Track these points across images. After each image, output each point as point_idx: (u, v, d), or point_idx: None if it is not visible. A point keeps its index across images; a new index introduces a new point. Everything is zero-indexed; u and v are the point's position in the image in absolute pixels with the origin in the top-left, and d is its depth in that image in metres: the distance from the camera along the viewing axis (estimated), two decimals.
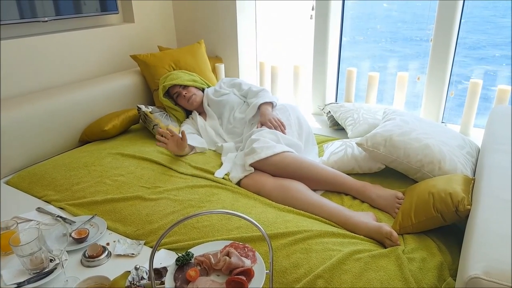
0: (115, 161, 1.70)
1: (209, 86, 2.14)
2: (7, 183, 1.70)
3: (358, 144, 1.52)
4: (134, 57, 2.29)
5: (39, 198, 1.57)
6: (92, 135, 1.98)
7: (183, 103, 2.03)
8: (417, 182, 1.47)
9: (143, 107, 1.97)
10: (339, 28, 2.36)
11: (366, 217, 1.29)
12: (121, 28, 2.41)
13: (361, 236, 1.23)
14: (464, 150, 1.52)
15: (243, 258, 0.81)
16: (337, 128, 2.19)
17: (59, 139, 1.92)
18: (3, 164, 1.71)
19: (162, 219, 1.35)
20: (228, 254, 0.81)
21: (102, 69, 2.36)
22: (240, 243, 0.88)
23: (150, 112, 1.97)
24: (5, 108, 1.73)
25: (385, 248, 1.16)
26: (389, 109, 1.80)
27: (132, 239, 1.32)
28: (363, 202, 1.44)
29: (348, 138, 1.91)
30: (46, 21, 2.02)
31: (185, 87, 2.03)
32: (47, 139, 1.86)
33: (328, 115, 2.23)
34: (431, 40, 2.06)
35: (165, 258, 1.19)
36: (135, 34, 2.51)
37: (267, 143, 1.55)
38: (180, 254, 0.87)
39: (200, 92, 2.06)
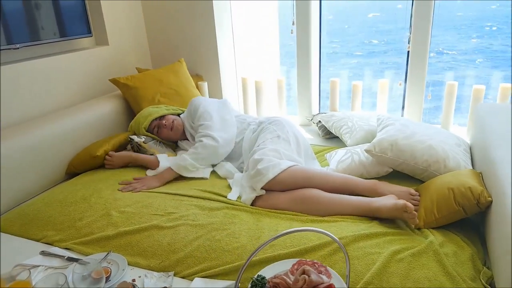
0: (115, 192, 1.60)
1: (182, 111, 2.06)
2: None
3: (367, 151, 1.56)
4: (114, 81, 2.19)
5: (37, 241, 1.42)
6: (80, 165, 1.85)
7: (166, 135, 1.93)
8: (424, 181, 1.53)
9: (135, 138, 1.88)
10: (318, 40, 2.43)
11: (386, 199, 1.35)
12: (95, 51, 2.31)
13: (388, 227, 1.27)
14: (461, 147, 1.61)
15: (320, 275, 0.78)
16: (329, 137, 2.23)
17: (44, 174, 1.77)
18: None
19: (186, 246, 1.28)
20: (304, 273, 0.78)
21: (81, 95, 2.23)
22: (307, 260, 0.85)
23: (143, 142, 1.88)
24: None
25: (406, 225, 1.26)
26: (381, 115, 1.87)
27: (157, 271, 1.23)
28: None
29: (347, 146, 1.95)
30: (18, 48, 1.87)
31: (161, 117, 1.95)
32: (30, 176, 1.70)
33: (319, 125, 2.26)
34: (408, 47, 2.19)
35: (203, 286, 1.13)
36: (110, 57, 2.41)
37: (271, 161, 1.52)
38: (254, 278, 0.82)
39: (178, 118, 1.98)
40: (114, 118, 2.17)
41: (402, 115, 2.39)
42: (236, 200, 1.53)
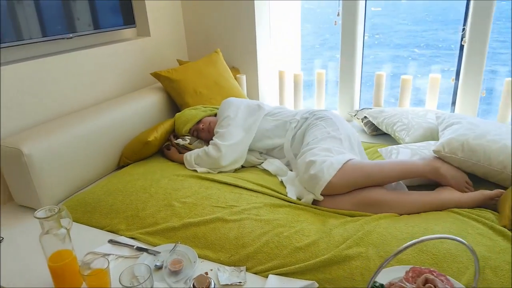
0: (172, 182, 1.59)
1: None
2: None
3: (435, 151, 1.51)
4: (155, 75, 2.18)
5: (101, 229, 1.44)
6: (133, 155, 1.85)
7: (205, 137, 1.91)
8: (498, 184, 1.47)
9: (181, 141, 1.89)
10: (362, 32, 2.37)
11: (457, 194, 1.40)
12: (137, 42, 2.29)
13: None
14: None
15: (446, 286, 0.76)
16: (376, 133, 2.19)
17: (98, 163, 1.78)
18: (44, 194, 1.54)
19: (255, 241, 1.27)
20: (428, 282, 0.76)
21: (125, 86, 2.23)
22: (423, 267, 0.82)
23: (188, 143, 1.88)
24: (32, 137, 1.56)
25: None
26: (441, 112, 1.82)
27: (228, 265, 1.23)
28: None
29: (401, 144, 1.91)
30: (71, 37, 1.87)
31: (199, 121, 1.94)
32: (84, 165, 1.70)
33: (364, 121, 2.22)
34: (464, 41, 2.12)
35: (280, 285, 1.12)
36: (151, 48, 2.39)
37: (324, 162, 1.44)
38: (377, 284, 0.79)
39: (215, 119, 1.94)
40: (158, 109, 2.16)
41: (453, 112, 2.33)
42: (297, 199, 1.51)
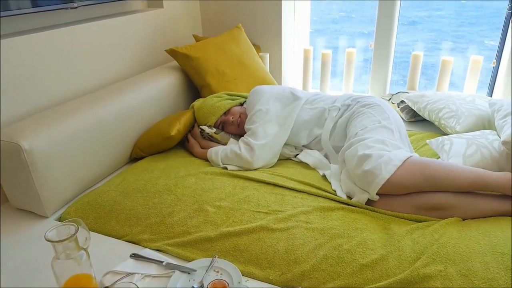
0: (201, 181, 1.37)
1: (245, 98, 1.76)
2: (61, 219, 1.32)
3: (505, 142, 1.32)
4: (172, 52, 1.92)
5: (119, 239, 1.22)
6: (150, 148, 1.62)
7: (233, 130, 1.67)
8: None
9: (206, 129, 1.64)
10: (399, 8, 2.13)
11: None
12: (149, 15, 2.02)
13: None
14: None
15: None
16: (415, 120, 1.98)
17: (107, 158, 1.53)
18: (47, 196, 1.31)
19: (309, 256, 1.06)
20: None
21: (135, 64, 1.97)
22: None
23: (215, 133, 1.64)
24: (31, 128, 1.31)
25: None
26: (494, 99, 1.62)
27: (280, 286, 1.03)
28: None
29: (450, 133, 1.71)
30: (76, 7, 1.60)
31: (227, 111, 1.68)
32: (92, 159, 1.46)
33: (401, 106, 2.01)
34: None
35: None
36: (164, 22, 2.13)
37: (381, 156, 1.24)
38: None
39: (244, 110, 1.69)
40: (175, 91, 1.91)
41: (491, 97, 2.13)
42: (347, 198, 1.30)
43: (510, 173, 1.20)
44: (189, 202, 1.27)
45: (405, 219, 1.21)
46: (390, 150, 1.31)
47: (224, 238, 1.14)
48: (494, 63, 2.05)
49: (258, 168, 1.48)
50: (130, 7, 2.04)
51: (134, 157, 1.67)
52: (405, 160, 1.24)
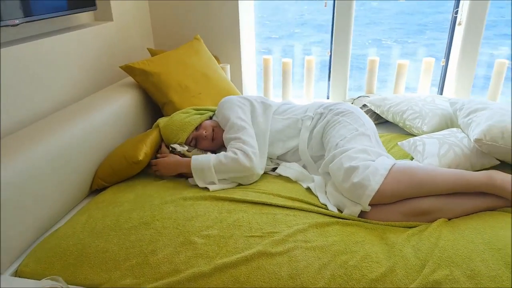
0: (181, 209, 1.25)
1: (213, 112, 1.66)
2: (18, 274, 1.12)
3: (477, 140, 1.36)
4: (128, 68, 1.77)
5: None
6: (113, 176, 1.46)
7: (206, 146, 1.55)
8: None
9: (178, 147, 1.50)
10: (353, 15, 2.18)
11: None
12: (98, 29, 1.85)
13: None
14: None
15: None
16: (377, 122, 2.02)
17: (64, 193, 1.34)
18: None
19: (316, 278, 1.00)
20: None
21: (84, 87, 1.78)
22: None
23: (187, 150, 1.51)
24: None
25: None
26: (454, 98, 1.69)
27: None
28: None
29: (416, 134, 1.75)
30: (17, 24, 1.39)
31: (198, 126, 1.56)
32: (46, 197, 1.26)
33: (364, 110, 2.04)
34: (459, 23, 2.02)
35: None
36: (114, 36, 1.96)
37: (367, 167, 1.23)
38: None
39: (217, 124, 1.58)
40: (134, 112, 1.76)
41: (442, 94, 2.25)
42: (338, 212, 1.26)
43: (489, 171, 1.24)
44: (173, 235, 1.14)
45: (397, 226, 1.19)
46: (373, 159, 1.30)
47: (220, 271, 1.03)
48: (443, 62, 2.17)
49: (252, 179, 1.41)
50: (77, 22, 1.85)
51: (96, 189, 1.49)
52: (390, 169, 1.24)
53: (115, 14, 1.94)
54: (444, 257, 1.02)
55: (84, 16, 1.91)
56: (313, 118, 1.54)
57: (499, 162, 1.43)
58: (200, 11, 2.17)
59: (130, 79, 1.93)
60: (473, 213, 1.21)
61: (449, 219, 1.20)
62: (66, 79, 1.65)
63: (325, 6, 2.15)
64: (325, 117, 1.52)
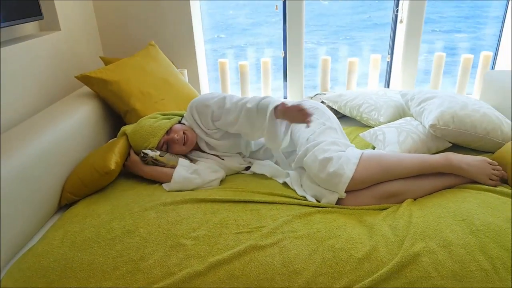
0: (163, 214, 1.24)
1: (181, 115, 1.65)
2: None
3: (432, 125, 1.51)
4: (84, 78, 1.72)
5: None
6: (82, 188, 1.40)
7: (177, 150, 1.54)
8: (478, 151, 1.56)
9: (150, 152, 1.48)
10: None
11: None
12: (46, 39, 1.76)
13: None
14: (498, 113, 1.66)
15: None
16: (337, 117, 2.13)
17: (31, 212, 1.27)
18: None
19: (307, 263, 1.05)
20: None
21: (37, 101, 1.69)
22: None
23: (160, 155, 1.50)
24: None
25: None
26: (404, 90, 1.85)
27: None
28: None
29: (374, 125, 1.88)
30: None
31: (168, 130, 1.55)
32: (14, 217, 1.19)
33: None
34: (401, 21, 2.20)
35: None
36: (63, 46, 1.88)
37: (340, 157, 1.32)
38: None
39: (187, 127, 1.57)
40: (93, 123, 1.70)
41: (388, 87, 2.43)
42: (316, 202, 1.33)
43: (445, 154, 1.38)
44: (160, 240, 1.13)
45: (372, 209, 1.28)
46: (344, 149, 1.39)
47: (215, 268, 1.04)
48: (388, 58, 2.35)
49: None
50: (20, 33, 1.75)
51: (65, 204, 1.42)
52: (360, 157, 1.33)
53: (62, 23, 1.86)
54: (419, 232, 1.12)
55: (29, 27, 1.80)
56: None
57: (451, 145, 1.59)
58: (150, 17, 2.14)
59: (84, 89, 1.86)
60: (435, 192, 1.34)
61: (415, 199, 1.31)
62: (14, 94, 1.55)
63: (276, 9, 2.23)
64: None
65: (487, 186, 1.30)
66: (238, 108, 1.45)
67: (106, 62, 1.95)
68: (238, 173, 1.58)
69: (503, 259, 1.02)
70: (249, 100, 1.45)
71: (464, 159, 1.35)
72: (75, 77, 1.72)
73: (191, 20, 2.14)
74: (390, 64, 2.38)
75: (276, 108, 1.37)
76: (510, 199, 1.22)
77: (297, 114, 1.31)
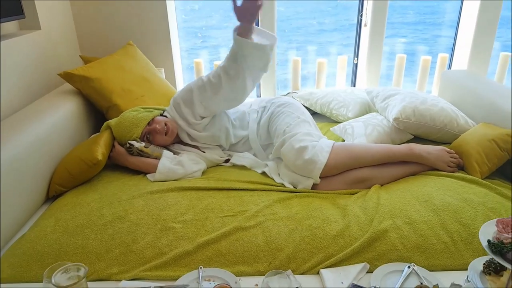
0: (151, 202, 1.31)
1: (162, 110, 1.71)
2: None
3: (395, 119, 1.67)
4: (66, 75, 1.76)
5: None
6: (70, 179, 1.45)
7: (160, 141, 1.61)
8: (437, 142, 1.73)
9: (135, 143, 1.54)
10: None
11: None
12: (26, 38, 1.77)
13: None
14: (454, 107, 1.84)
15: None
16: None
17: (20, 202, 1.31)
18: None
19: (288, 241, 1.16)
20: None
21: (18, 99, 1.70)
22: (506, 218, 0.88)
23: (144, 147, 1.56)
24: None
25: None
26: (369, 88, 2.01)
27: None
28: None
29: (342, 120, 2.02)
30: None
31: (150, 121, 1.61)
32: (4, 205, 1.24)
33: None
34: (365, 24, 2.38)
35: (338, 277, 1.06)
36: (43, 44, 1.90)
37: (314, 146, 1.46)
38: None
39: (168, 119, 1.64)
40: (77, 118, 1.74)
41: (355, 86, 2.60)
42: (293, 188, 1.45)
43: (408, 144, 1.55)
44: (150, 225, 1.21)
45: (343, 193, 1.42)
46: (317, 140, 1.52)
47: (203, 247, 1.14)
48: (356, 60, 2.52)
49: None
50: (2, 31, 1.76)
51: (53, 195, 1.46)
52: (332, 146, 1.47)
53: (42, 22, 1.88)
54: (386, 212, 1.25)
55: (9, 26, 1.81)
56: (258, 111, 1.72)
57: (413, 137, 1.75)
58: (127, 18, 2.18)
59: (65, 86, 1.89)
60: (400, 178, 1.49)
61: (382, 185, 1.46)
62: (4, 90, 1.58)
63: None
64: (268, 110, 1.70)
65: (446, 172, 1.47)
66: (215, 73, 1.55)
67: (86, 61, 1.98)
68: (218, 165, 1.67)
69: (460, 233, 1.18)
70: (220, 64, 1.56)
71: (424, 149, 1.52)
72: (58, 74, 1.75)
73: (167, 19, 2.21)
74: (356, 65, 2.55)
75: (234, 30, 1.46)
76: (465, 183, 1.39)
77: (248, 6, 1.36)
